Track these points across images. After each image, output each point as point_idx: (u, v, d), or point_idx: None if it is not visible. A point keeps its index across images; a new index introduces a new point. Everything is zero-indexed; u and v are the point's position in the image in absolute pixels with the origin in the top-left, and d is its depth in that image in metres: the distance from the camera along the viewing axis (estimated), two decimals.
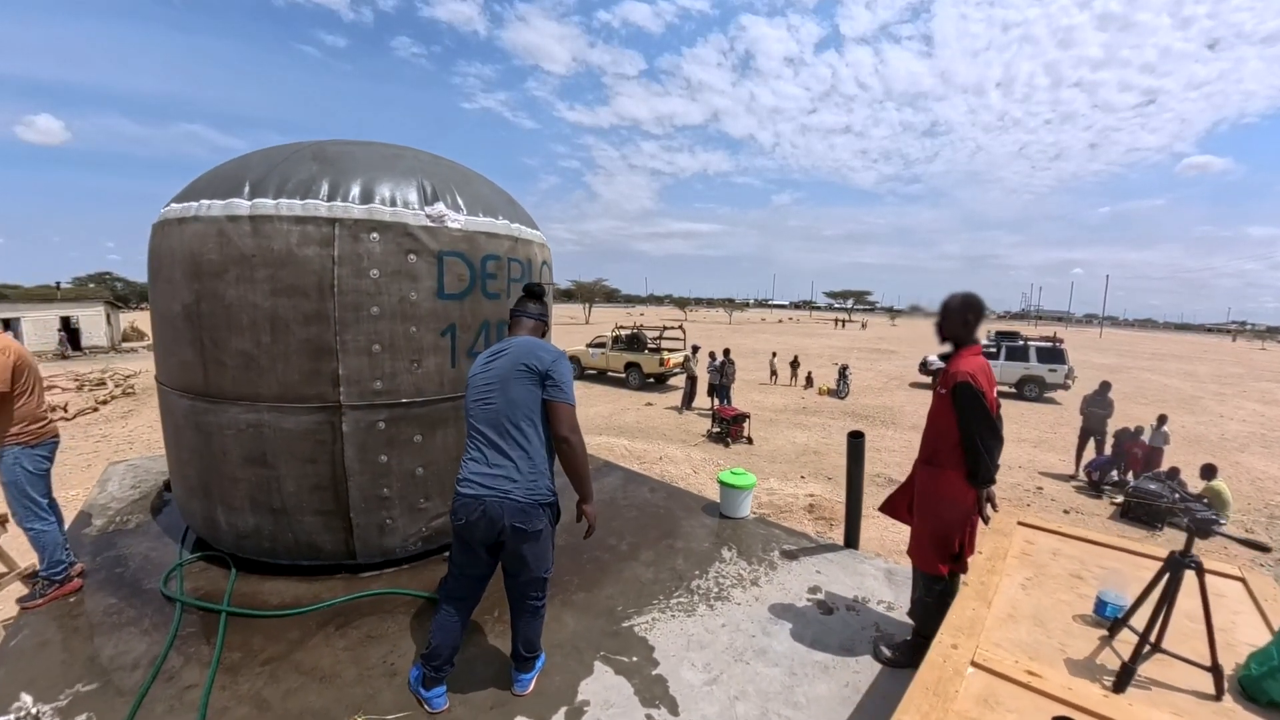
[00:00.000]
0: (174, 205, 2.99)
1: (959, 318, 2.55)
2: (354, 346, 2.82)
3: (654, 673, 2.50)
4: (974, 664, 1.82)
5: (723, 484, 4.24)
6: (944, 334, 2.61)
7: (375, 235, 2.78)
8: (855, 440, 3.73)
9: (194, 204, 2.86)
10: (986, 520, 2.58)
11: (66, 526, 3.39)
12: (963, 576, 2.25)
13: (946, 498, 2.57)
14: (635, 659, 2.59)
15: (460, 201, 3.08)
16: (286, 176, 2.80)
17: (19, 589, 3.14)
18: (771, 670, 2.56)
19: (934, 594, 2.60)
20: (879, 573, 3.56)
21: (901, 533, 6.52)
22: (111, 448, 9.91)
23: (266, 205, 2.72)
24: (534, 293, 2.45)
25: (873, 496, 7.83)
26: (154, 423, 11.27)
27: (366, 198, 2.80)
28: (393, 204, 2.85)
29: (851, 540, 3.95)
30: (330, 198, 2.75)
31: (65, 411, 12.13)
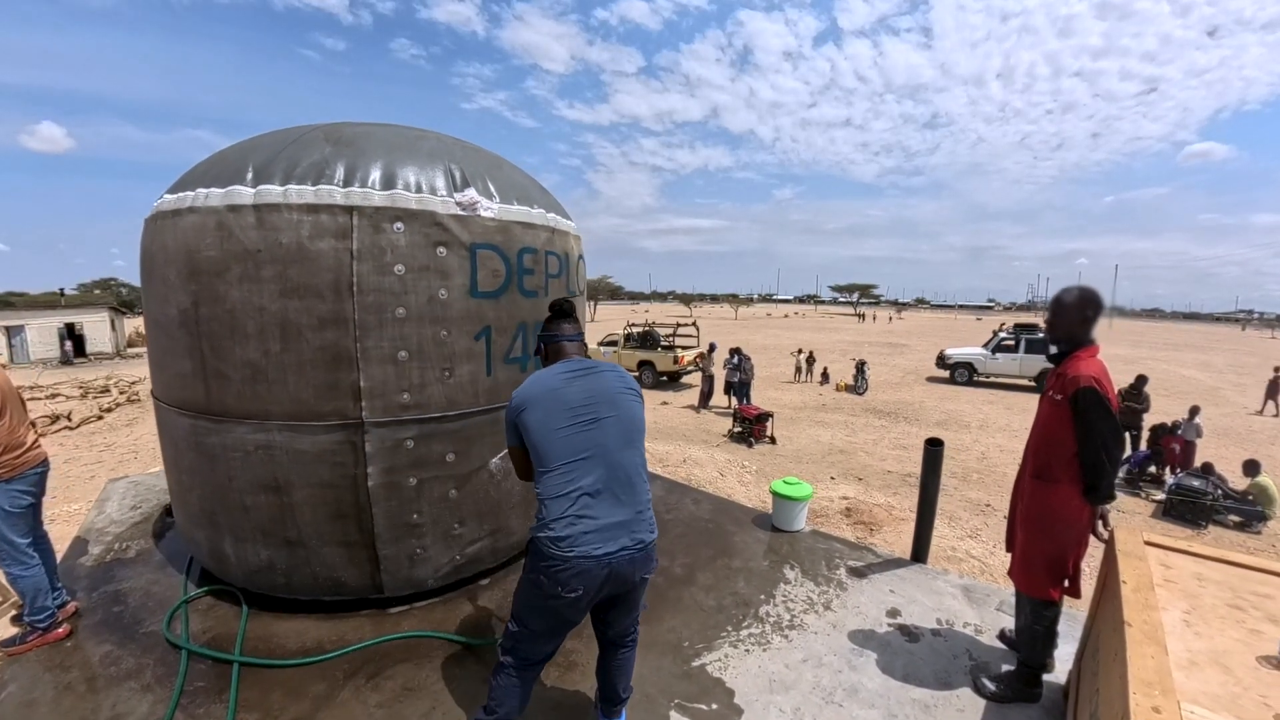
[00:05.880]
0: (168, 196, 2.63)
1: (1076, 314, 2.28)
2: (377, 354, 2.45)
3: None
4: None
5: (776, 495, 3.88)
6: (1056, 333, 2.35)
7: (400, 225, 2.40)
8: (933, 448, 3.36)
9: (190, 193, 2.49)
10: (1101, 539, 2.32)
11: (60, 557, 3.05)
12: (1126, 615, 1.92)
13: (1061, 516, 2.30)
14: (715, 706, 2.28)
15: (492, 188, 2.70)
16: (296, 160, 2.42)
17: (11, 619, 2.82)
18: (868, 713, 2.29)
19: (1045, 621, 2.36)
20: (956, 590, 3.28)
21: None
22: (116, 457, 9.61)
23: (273, 192, 2.34)
24: (565, 310, 2.02)
25: (908, 498, 7.60)
26: None
27: (388, 183, 2.43)
28: (418, 190, 2.47)
29: (920, 554, 3.63)
30: (347, 183, 2.38)
31: (69, 420, 11.86)
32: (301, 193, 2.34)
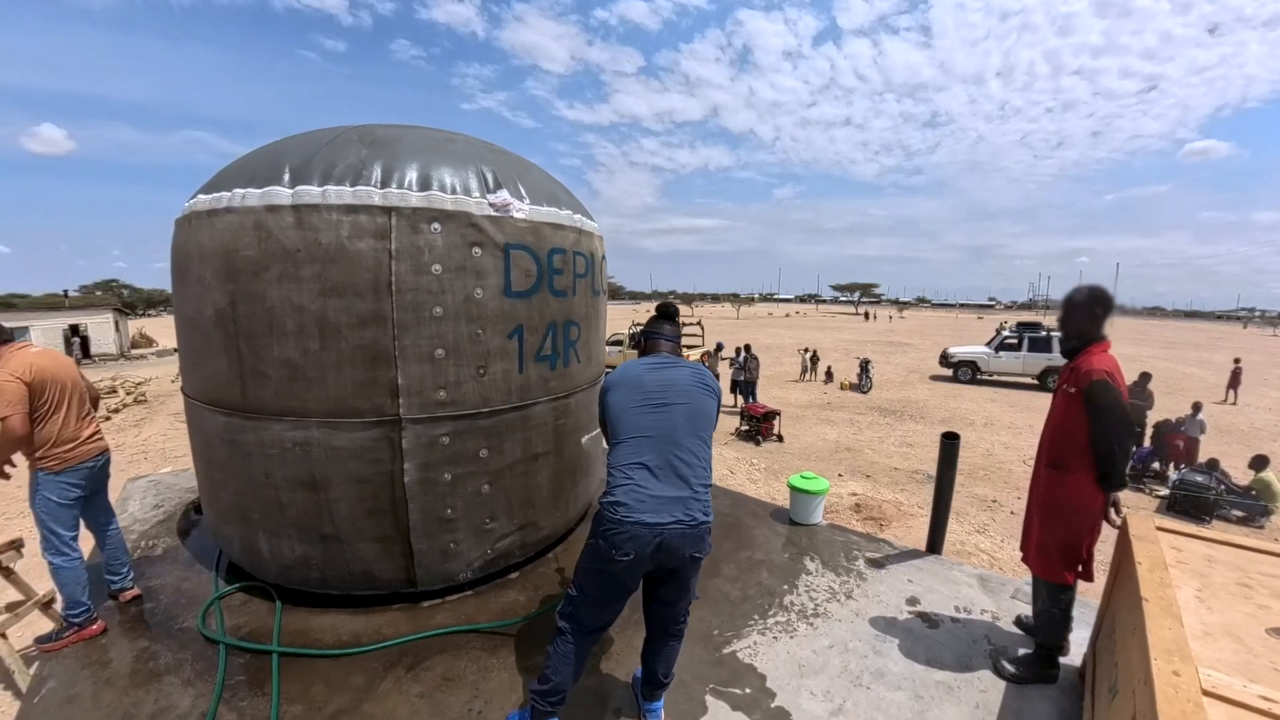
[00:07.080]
0: (202, 196, 2.67)
1: (1085, 312, 2.39)
2: (414, 352, 2.50)
3: (773, 705, 2.28)
4: (1205, 693, 1.57)
5: (794, 489, 3.94)
6: (1069, 330, 2.45)
7: (437, 226, 2.45)
8: (949, 442, 3.42)
9: (225, 194, 2.53)
10: (1114, 525, 2.42)
11: (87, 555, 3.07)
12: (1143, 592, 1.98)
13: (1075, 504, 2.40)
14: (749, 690, 2.36)
15: (523, 190, 2.75)
16: (333, 161, 2.47)
17: (38, 616, 2.85)
18: (895, 694, 2.37)
19: (1061, 605, 2.46)
20: (972, 579, 3.35)
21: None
22: (126, 458, 9.63)
23: (312, 193, 2.39)
24: (668, 313, 2.27)
25: (915, 494, 7.65)
26: (167, 431, 11.01)
27: (424, 184, 2.48)
28: (453, 191, 2.52)
29: (935, 545, 3.69)
30: (384, 184, 2.42)
31: None
32: (340, 193, 2.38)
